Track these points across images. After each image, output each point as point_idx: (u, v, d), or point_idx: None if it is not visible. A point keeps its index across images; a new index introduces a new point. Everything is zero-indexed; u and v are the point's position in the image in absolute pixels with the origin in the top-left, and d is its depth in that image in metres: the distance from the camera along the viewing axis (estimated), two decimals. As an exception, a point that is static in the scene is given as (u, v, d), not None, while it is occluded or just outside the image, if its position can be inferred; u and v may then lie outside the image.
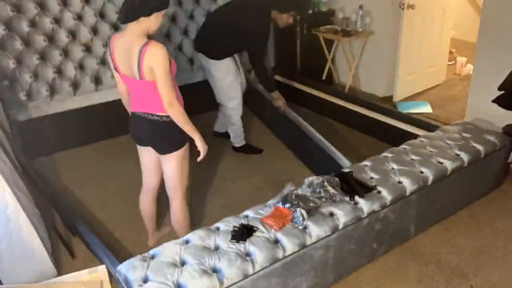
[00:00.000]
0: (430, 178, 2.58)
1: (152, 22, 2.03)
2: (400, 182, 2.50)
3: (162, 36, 4.13)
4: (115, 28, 3.87)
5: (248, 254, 1.99)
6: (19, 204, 2.23)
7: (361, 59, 4.85)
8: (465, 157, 2.76)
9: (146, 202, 2.56)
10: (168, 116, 2.14)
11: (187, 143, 2.30)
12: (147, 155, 2.40)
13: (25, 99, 3.59)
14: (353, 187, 2.38)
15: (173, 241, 2.09)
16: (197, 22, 4.28)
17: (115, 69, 2.18)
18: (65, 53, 3.69)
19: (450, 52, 5.36)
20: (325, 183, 2.31)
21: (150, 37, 2.07)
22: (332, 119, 4.31)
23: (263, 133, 4.14)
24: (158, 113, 2.16)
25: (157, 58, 1.98)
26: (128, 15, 2.00)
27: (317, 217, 2.18)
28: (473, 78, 3.54)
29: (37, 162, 3.59)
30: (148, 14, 1.99)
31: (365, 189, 2.39)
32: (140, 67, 2.02)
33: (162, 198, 2.60)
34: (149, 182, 2.51)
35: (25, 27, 3.49)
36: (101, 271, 2.24)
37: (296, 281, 2.14)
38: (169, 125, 2.17)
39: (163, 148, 2.28)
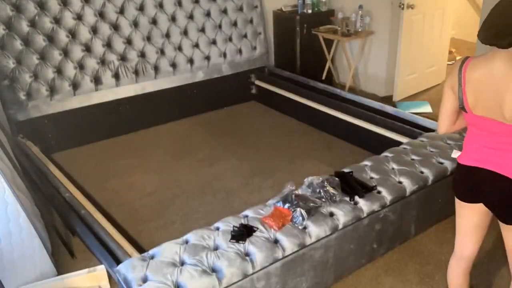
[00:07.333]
0: (430, 178, 2.58)
1: None
2: (400, 182, 2.50)
3: (162, 36, 4.14)
4: (115, 28, 3.88)
5: (247, 254, 1.99)
6: (19, 204, 2.22)
7: (361, 59, 4.86)
8: (465, 157, 2.76)
9: (455, 273, 2.01)
10: None
11: None
12: (472, 214, 1.86)
13: (25, 99, 3.59)
14: (353, 187, 2.38)
15: (172, 241, 2.08)
16: (197, 22, 4.28)
17: (462, 107, 1.67)
18: (65, 53, 3.69)
19: (450, 52, 5.37)
20: (325, 183, 2.31)
21: None
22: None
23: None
24: None
25: None
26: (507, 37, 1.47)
27: (317, 217, 2.18)
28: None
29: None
30: None
31: (365, 189, 2.38)
32: None
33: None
34: (464, 248, 1.95)
35: (25, 27, 3.49)
36: (100, 270, 2.24)
37: (296, 281, 2.14)
38: None
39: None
